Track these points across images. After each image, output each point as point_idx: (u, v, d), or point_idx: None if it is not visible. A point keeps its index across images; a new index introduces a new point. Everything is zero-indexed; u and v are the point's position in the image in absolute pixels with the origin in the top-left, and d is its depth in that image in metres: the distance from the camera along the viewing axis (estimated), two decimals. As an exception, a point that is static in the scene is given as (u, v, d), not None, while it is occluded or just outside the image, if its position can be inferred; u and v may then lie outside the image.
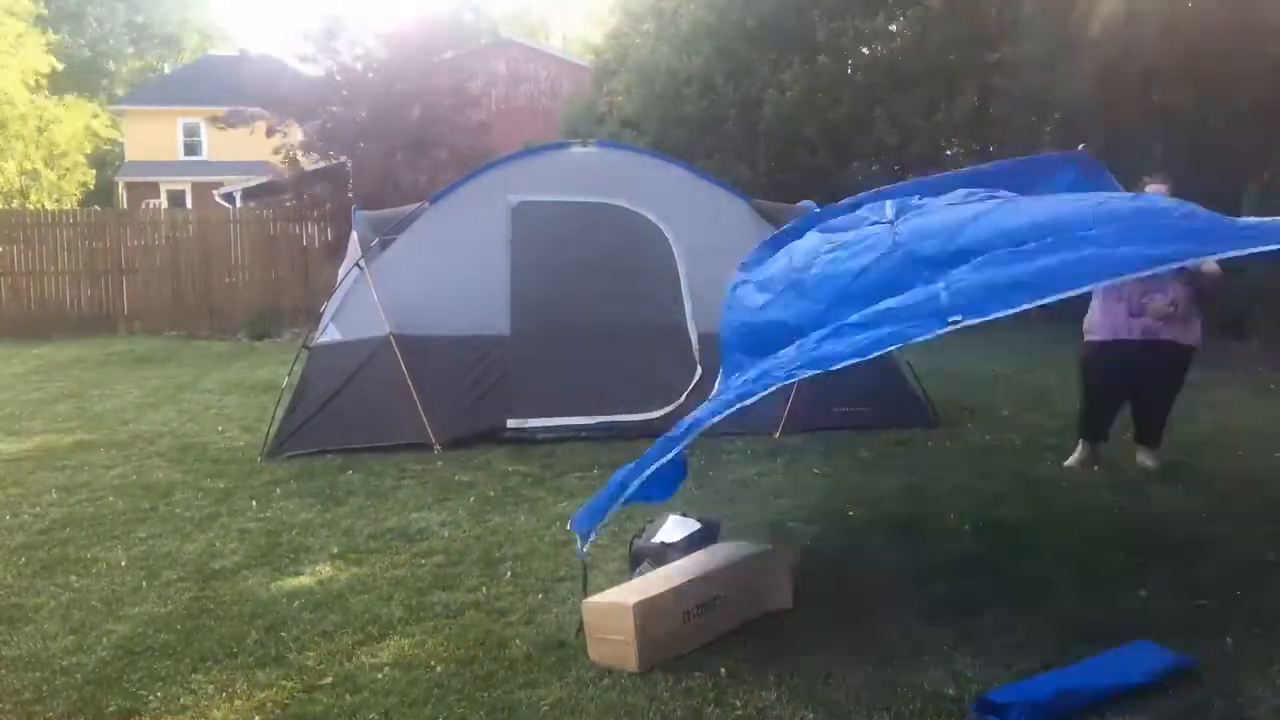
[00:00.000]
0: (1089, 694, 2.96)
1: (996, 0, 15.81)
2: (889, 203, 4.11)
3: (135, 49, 46.80)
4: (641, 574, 3.83)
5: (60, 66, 29.86)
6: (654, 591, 3.41)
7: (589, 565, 3.78)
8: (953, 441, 6.57)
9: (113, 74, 43.98)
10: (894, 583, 4.00)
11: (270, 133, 16.80)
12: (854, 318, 3.17)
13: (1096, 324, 5.66)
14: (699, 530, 4.13)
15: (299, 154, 17.44)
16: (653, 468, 3.25)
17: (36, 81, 27.94)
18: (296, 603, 3.95)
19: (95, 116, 33.07)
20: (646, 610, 3.28)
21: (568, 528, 4.51)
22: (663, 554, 3.94)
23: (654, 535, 4.12)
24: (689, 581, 3.48)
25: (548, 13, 49.73)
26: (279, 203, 17.77)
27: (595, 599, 3.50)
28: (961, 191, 4.09)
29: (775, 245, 4.50)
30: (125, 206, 29.45)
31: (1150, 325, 5.49)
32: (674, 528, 4.14)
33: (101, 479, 6.15)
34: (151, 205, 29.23)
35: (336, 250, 13.39)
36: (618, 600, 3.36)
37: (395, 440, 6.50)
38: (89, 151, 33.61)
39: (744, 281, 4.33)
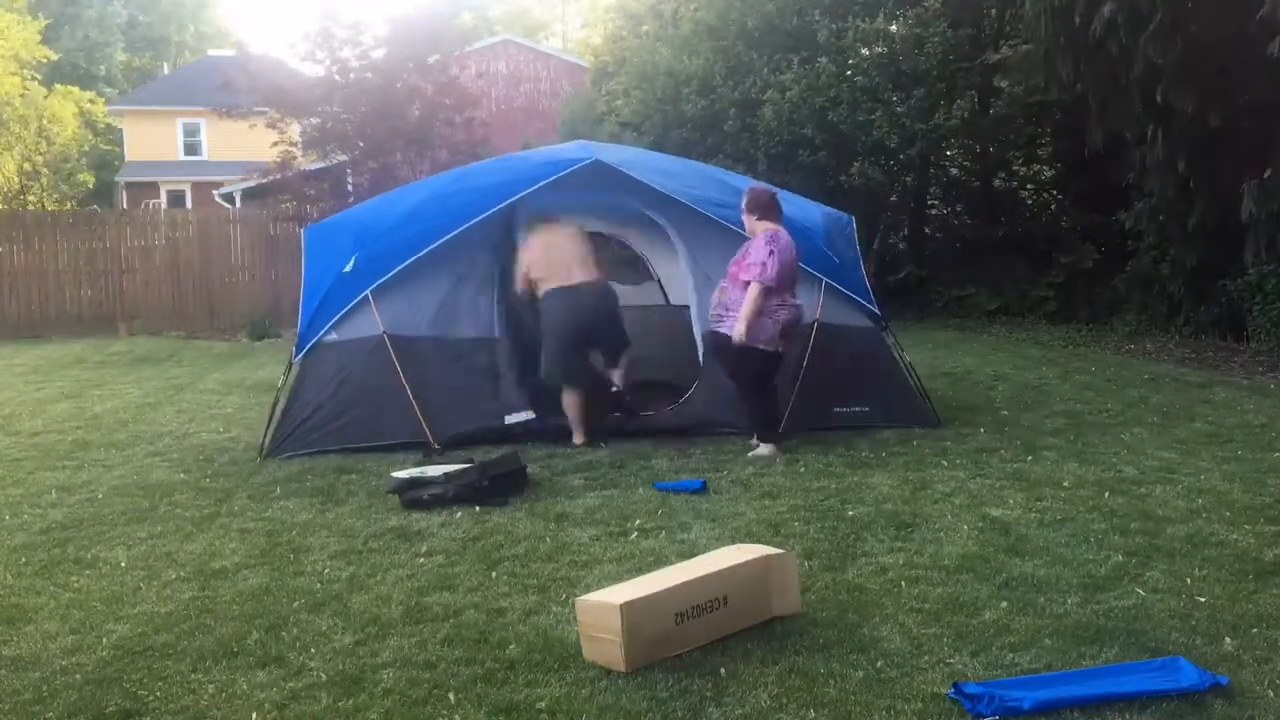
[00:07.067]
0: (1071, 701, 2.94)
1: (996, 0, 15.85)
2: None
3: (128, 48, 46.80)
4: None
5: (55, 56, 29.82)
6: (645, 592, 3.40)
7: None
8: (953, 441, 6.57)
9: (105, 75, 43.95)
10: (893, 582, 4.00)
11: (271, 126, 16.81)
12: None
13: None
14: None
15: (298, 153, 17.45)
16: None
17: (31, 75, 27.92)
18: (296, 603, 3.95)
19: (92, 102, 33.00)
20: (635, 610, 3.27)
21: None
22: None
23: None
24: (683, 583, 3.46)
25: (547, 14, 49.67)
26: (279, 203, 17.78)
27: (587, 597, 3.50)
28: None
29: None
30: (125, 206, 29.43)
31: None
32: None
33: (101, 479, 6.15)
34: (151, 205, 29.24)
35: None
36: (606, 600, 3.36)
37: (394, 440, 6.49)
38: (88, 148, 33.59)
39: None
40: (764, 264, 6.01)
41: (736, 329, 6.03)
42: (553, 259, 6.57)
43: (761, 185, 6.81)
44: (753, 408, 6.35)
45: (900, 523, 4.80)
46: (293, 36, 47.96)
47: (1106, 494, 5.25)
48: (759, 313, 6.02)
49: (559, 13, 49.19)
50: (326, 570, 4.34)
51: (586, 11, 43.61)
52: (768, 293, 6.03)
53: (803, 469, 5.93)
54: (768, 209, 6.30)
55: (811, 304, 6.79)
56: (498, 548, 4.58)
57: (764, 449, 6.21)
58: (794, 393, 6.69)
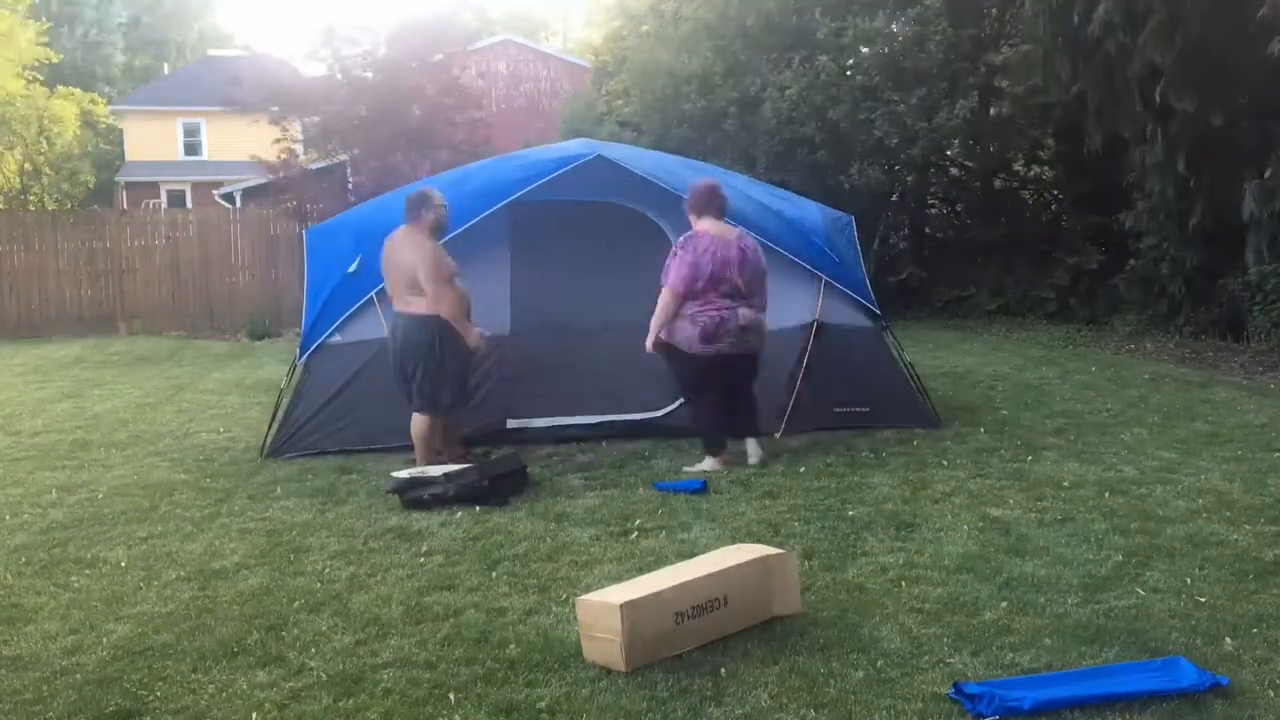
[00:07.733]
0: (1070, 700, 2.94)
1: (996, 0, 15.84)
2: None
3: (129, 48, 46.81)
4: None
5: (57, 59, 29.78)
6: (645, 592, 3.40)
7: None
8: (953, 441, 6.57)
9: (105, 75, 43.93)
10: (893, 582, 4.00)
11: (273, 123, 16.82)
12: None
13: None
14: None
15: (299, 153, 17.45)
16: None
17: (34, 77, 27.87)
18: (296, 603, 3.96)
19: (94, 103, 32.99)
20: (635, 610, 3.27)
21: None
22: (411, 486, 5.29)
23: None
24: (683, 583, 3.47)
25: (548, 13, 49.76)
26: (279, 203, 17.77)
27: (588, 597, 3.50)
28: None
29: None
30: (125, 206, 29.42)
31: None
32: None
33: (101, 479, 6.16)
34: (151, 205, 29.23)
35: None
36: (606, 599, 3.36)
37: (395, 441, 6.48)
38: (89, 148, 33.56)
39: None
40: (667, 268, 5.90)
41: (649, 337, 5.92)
42: (391, 272, 5.96)
43: (701, 180, 6.29)
44: (692, 414, 6.23)
45: (900, 523, 4.80)
46: (294, 36, 47.93)
47: (1106, 494, 5.25)
48: (671, 317, 5.84)
49: (559, 13, 49.23)
50: (326, 570, 4.34)
51: (585, 14, 43.62)
52: (680, 298, 5.82)
53: (803, 469, 5.93)
54: (704, 206, 6.02)
55: (811, 303, 6.79)
56: (498, 548, 4.59)
57: (705, 462, 5.98)
58: (794, 393, 6.70)
